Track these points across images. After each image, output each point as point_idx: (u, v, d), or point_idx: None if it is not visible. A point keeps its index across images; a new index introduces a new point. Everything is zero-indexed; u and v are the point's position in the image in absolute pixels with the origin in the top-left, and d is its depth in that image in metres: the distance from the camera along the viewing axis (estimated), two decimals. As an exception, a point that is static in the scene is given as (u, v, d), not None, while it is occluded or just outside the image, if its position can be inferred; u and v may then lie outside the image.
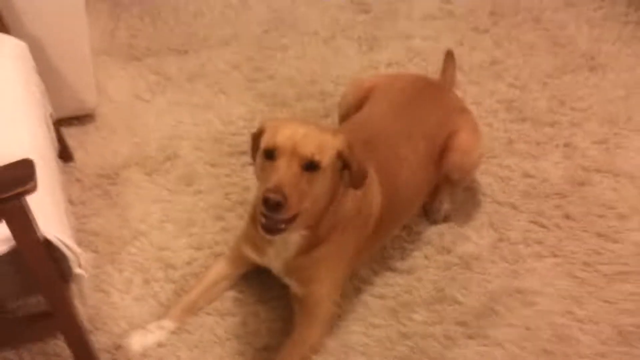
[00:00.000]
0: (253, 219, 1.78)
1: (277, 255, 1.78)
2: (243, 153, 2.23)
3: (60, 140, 2.04)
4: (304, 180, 1.56)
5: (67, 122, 2.22)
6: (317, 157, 1.57)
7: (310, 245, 1.73)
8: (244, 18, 2.68)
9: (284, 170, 1.54)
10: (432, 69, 2.51)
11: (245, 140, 2.25)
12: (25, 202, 1.33)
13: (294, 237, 1.72)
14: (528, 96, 2.46)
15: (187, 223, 2.05)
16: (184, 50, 2.54)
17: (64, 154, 2.08)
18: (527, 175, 2.24)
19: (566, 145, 2.32)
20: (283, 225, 1.59)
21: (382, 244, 2.02)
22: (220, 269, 1.91)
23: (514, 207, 2.15)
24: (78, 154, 2.18)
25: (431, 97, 2.07)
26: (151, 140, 2.26)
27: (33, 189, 1.31)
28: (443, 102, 2.08)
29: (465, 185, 2.18)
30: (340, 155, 1.62)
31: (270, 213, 1.54)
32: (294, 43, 2.60)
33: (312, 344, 1.80)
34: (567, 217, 2.13)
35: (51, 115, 1.88)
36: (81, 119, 2.27)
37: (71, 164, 2.15)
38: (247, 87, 2.44)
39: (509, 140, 2.33)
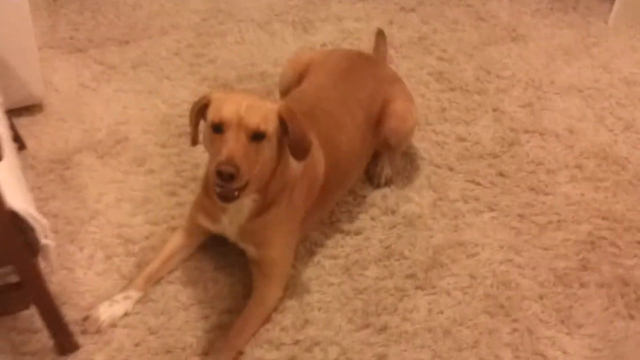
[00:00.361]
0: (206, 190, 1.87)
1: (231, 221, 1.87)
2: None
3: (12, 129, 2.09)
4: (252, 150, 1.67)
5: (16, 112, 2.26)
6: (262, 127, 1.67)
7: (261, 209, 1.83)
8: (181, 8, 2.76)
9: (233, 143, 1.64)
10: (364, 47, 2.63)
11: (192, 122, 2.34)
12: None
13: (246, 202, 1.81)
14: (456, 67, 2.61)
15: (142, 201, 2.12)
16: (125, 41, 2.61)
17: (17, 143, 2.13)
18: (460, 139, 2.38)
19: (495, 110, 2.48)
20: (237, 193, 1.69)
21: (330, 208, 2.13)
22: (178, 240, 1.99)
23: (450, 168, 2.29)
24: (30, 143, 2.23)
25: (366, 68, 2.19)
26: (100, 126, 2.32)
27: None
28: (377, 72, 2.21)
29: (403, 151, 2.30)
30: (282, 121, 1.73)
31: (224, 183, 1.64)
32: (232, 29, 2.70)
33: (271, 304, 1.90)
34: (500, 174, 2.28)
35: (1, 105, 1.94)
36: (30, 109, 2.32)
37: (24, 152, 2.20)
38: (189, 72, 2.52)
39: (442, 108, 2.47)
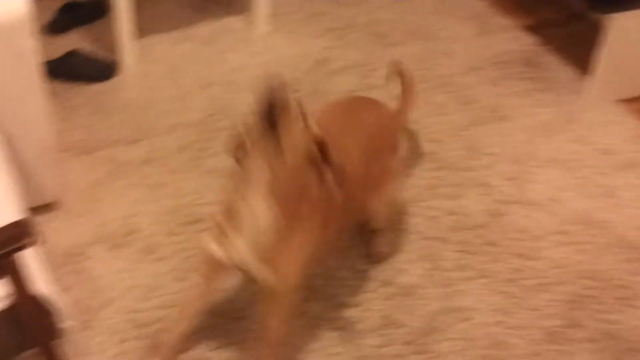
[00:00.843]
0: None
1: (245, 242, 1.80)
2: (197, 221, 2.48)
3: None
4: None
5: (36, 210, 2.44)
6: None
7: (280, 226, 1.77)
8: (185, 107, 2.96)
9: None
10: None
11: (198, 211, 2.52)
12: (22, 258, 1.55)
13: (265, 215, 1.75)
14: (444, 148, 2.79)
15: (153, 287, 2.27)
16: (134, 140, 2.80)
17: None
18: (451, 213, 2.53)
19: (482, 184, 2.64)
20: None
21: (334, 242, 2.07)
22: (194, 293, 2.01)
23: (442, 240, 2.44)
24: (47, 238, 2.40)
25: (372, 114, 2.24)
26: (112, 219, 2.49)
27: (34, 242, 1.55)
28: (383, 123, 2.25)
29: (397, 227, 2.46)
30: None
31: None
32: (233, 124, 2.89)
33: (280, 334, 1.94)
34: (490, 243, 2.43)
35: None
36: (48, 207, 2.49)
37: (43, 246, 2.36)
38: (195, 165, 2.70)
39: (432, 185, 2.63)
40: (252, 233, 1.79)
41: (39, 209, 2.47)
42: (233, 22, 3.42)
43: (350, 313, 2.21)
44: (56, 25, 3.33)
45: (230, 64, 3.19)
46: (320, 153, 1.78)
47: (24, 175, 2.26)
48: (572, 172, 2.69)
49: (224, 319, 2.18)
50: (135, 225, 2.47)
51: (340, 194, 1.90)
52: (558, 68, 3.17)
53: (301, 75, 3.13)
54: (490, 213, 2.53)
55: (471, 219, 2.51)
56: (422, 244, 2.43)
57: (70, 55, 3.10)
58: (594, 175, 2.68)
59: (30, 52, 2.17)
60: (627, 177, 2.67)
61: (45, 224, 2.45)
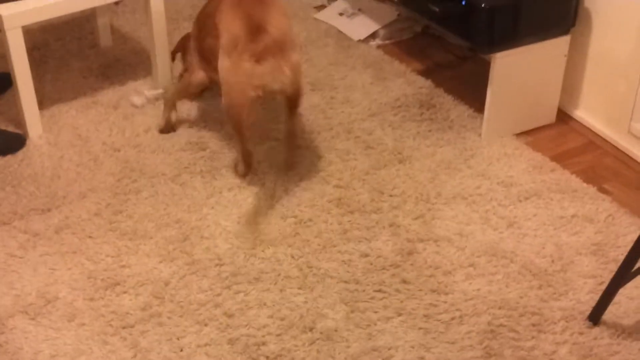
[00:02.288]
0: None
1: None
2: (116, 284, 2.50)
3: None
4: None
5: (-51, 288, 2.43)
6: None
7: None
8: (97, 172, 2.99)
9: None
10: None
11: (116, 274, 2.54)
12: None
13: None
14: (352, 192, 2.89)
15: (76, 353, 2.27)
16: (47, 209, 2.80)
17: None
18: (364, 255, 2.63)
19: (391, 225, 2.75)
20: None
21: None
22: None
23: (358, 282, 2.52)
24: (-36, 314, 2.38)
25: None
26: (30, 290, 2.48)
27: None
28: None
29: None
30: None
31: None
32: (145, 185, 2.93)
33: None
34: (404, 282, 2.53)
35: None
36: (-38, 283, 2.48)
37: (-41, 323, 2.34)
38: (109, 229, 2.73)
39: (344, 230, 2.72)
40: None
41: (-47, 287, 2.45)
42: (137, 86, 3.48)
43: (275, 362, 2.27)
44: (-41, 101, 3.32)
45: (137, 127, 3.24)
46: None
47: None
48: (476, 206, 2.83)
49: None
50: (54, 294, 2.47)
51: None
52: (453, 108, 3.34)
53: (211, 132, 3.20)
54: (402, 252, 2.64)
55: (384, 260, 2.61)
56: (339, 287, 2.51)
57: (-24, 129, 3.10)
58: (497, 207, 2.82)
59: None
60: (527, 207, 2.83)
61: (-39, 301, 2.43)
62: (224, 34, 2.69)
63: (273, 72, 2.62)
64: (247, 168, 2.91)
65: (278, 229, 2.74)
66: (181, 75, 3.33)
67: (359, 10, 4.00)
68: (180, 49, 3.41)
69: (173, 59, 3.45)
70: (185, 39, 3.34)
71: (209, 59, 2.92)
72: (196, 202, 2.86)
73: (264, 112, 3.31)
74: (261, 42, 2.60)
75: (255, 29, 2.62)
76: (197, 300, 2.47)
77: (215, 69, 2.76)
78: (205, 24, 2.96)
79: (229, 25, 2.67)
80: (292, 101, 2.84)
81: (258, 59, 2.60)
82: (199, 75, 3.07)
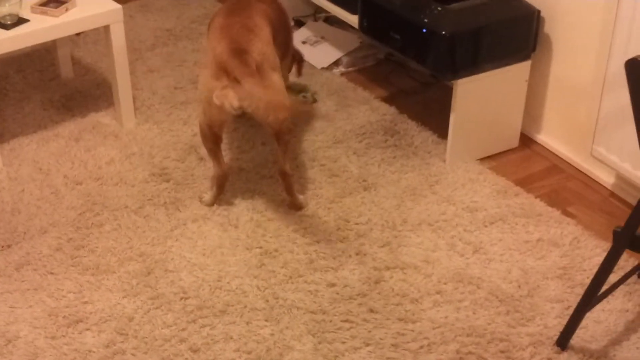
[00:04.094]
0: None
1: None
2: (78, 321, 2.45)
3: None
4: None
5: None
6: None
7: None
8: (58, 206, 2.94)
9: None
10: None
11: (78, 311, 2.49)
12: None
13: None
14: (318, 221, 2.88)
15: (38, 394, 2.22)
16: (7, 245, 2.75)
17: None
18: (331, 284, 2.61)
19: (357, 253, 2.73)
20: None
21: None
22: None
23: (324, 312, 2.50)
24: None
25: None
26: (-10, 329, 2.43)
27: None
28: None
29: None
30: None
31: None
32: (108, 218, 2.89)
33: None
34: (371, 311, 2.51)
35: None
36: None
37: None
38: (71, 264, 2.68)
39: (310, 259, 2.70)
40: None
41: None
42: (100, 118, 3.45)
43: (242, 396, 2.23)
44: None
45: (99, 159, 3.20)
46: None
47: None
48: (442, 232, 2.83)
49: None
50: (14, 333, 2.42)
51: None
52: (418, 134, 3.35)
53: (175, 163, 3.17)
54: (369, 281, 2.62)
55: (350, 289, 2.59)
56: (306, 318, 2.49)
57: None
58: (463, 233, 2.82)
59: None
60: (493, 232, 2.83)
61: None
62: (208, 53, 2.79)
63: (251, 92, 2.62)
64: (219, 192, 2.94)
65: (243, 260, 2.72)
66: None
67: (322, 38, 4.01)
68: None
69: None
70: None
71: None
72: (160, 234, 2.83)
73: (235, 140, 3.29)
74: (243, 63, 2.66)
75: (238, 51, 2.69)
76: (162, 336, 2.42)
77: None
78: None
79: (214, 45, 2.77)
80: (276, 131, 2.82)
81: (238, 79, 2.63)
82: None
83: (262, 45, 2.78)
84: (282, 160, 2.88)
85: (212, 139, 2.84)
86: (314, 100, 3.55)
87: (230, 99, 2.62)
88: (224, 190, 2.96)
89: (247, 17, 2.88)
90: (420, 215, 2.91)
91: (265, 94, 2.64)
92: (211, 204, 2.95)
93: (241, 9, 2.95)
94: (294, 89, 3.53)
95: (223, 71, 2.65)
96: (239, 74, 2.62)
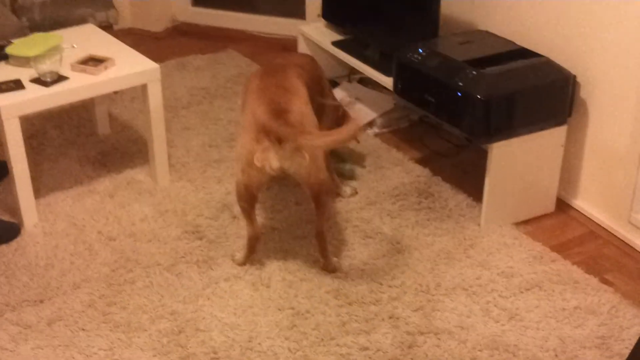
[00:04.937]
0: None
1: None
2: (109, 380, 2.44)
3: None
4: None
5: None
6: None
7: None
8: (91, 262, 2.95)
9: None
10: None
11: (109, 368, 2.48)
12: None
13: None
14: (351, 283, 2.85)
15: None
16: (40, 300, 2.76)
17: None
18: (363, 348, 2.56)
19: (390, 317, 2.69)
20: None
21: None
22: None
23: (357, 377, 2.46)
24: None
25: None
26: (20, 385, 2.42)
27: None
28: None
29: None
30: None
31: None
32: (140, 275, 2.89)
33: None
34: (404, 376, 2.47)
35: None
36: (-50, 378, 2.41)
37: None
38: (103, 321, 2.67)
39: (342, 322, 2.67)
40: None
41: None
42: (135, 174, 3.48)
43: None
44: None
45: (133, 215, 3.22)
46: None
47: None
48: (476, 297, 2.78)
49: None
50: (43, 390, 2.41)
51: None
52: (452, 197, 3.33)
53: (208, 221, 3.18)
54: (402, 345, 2.58)
55: (383, 353, 2.55)
56: (338, 382, 2.45)
57: (-29, 218, 3.08)
58: (498, 298, 2.78)
59: None
60: (529, 299, 2.78)
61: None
62: (247, 115, 2.78)
63: (292, 155, 2.65)
64: (250, 252, 2.92)
65: (275, 321, 2.69)
66: None
67: (356, 99, 4.04)
68: None
69: None
70: None
71: None
72: (192, 292, 2.81)
73: (269, 199, 3.30)
74: (285, 123, 2.66)
75: (279, 112, 2.69)
76: (192, 397, 2.40)
77: None
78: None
79: (253, 107, 2.75)
80: (315, 193, 2.80)
81: (282, 139, 2.63)
82: None
83: (300, 104, 2.79)
84: (319, 222, 2.87)
85: (247, 199, 2.82)
86: (351, 176, 3.49)
87: (271, 160, 2.63)
88: (255, 251, 2.94)
89: (284, 78, 2.91)
90: (455, 280, 2.87)
91: (307, 154, 2.65)
92: (242, 264, 2.94)
93: (277, 70, 2.98)
94: (336, 155, 3.53)
95: (264, 133, 2.65)
96: (282, 133, 2.63)
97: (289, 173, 2.71)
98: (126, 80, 3.28)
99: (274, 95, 2.78)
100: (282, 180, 3.32)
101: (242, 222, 2.98)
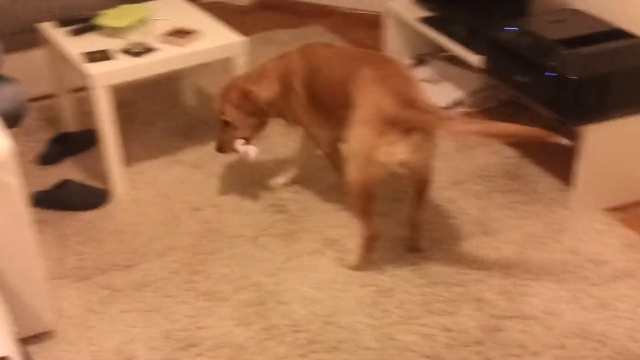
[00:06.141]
0: None
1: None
2: (192, 345, 2.46)
3: (26, 356, 2.23)
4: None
5: (29, 340, 2.42)
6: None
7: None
8: (176, 231, 2.99)
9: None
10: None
11: (192, 335, 2.50)
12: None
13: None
14: (436, 263, 2.81)
15: (151, 415, 2.23)
16: (128, 265, 2.81)
17: (29, 370, 2.27)
18: (446, 329, 2.53)
19: (475, 299, 2.65)
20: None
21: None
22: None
23: (439, 357, 2.42)
24: (41, 369, 2.37)
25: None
26: (108, 346, 2.47)
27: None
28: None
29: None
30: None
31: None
32: (224, 246, 2.91)
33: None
34: (488, 360, 2.42)
35: (15, 334, 2.09)
36: (41, 336, 2.48)
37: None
38: (187, 289, 2.70)
39: (426, 302, 2.64)
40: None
41: (33, 339, 2.45)
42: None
43: None
44: (48, 157, 3.41)
45: (218, 187, 3.24)
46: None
47: (16, 306, 2.24)
48: (565, 284, 2.71)
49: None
50: (130, 352, 2.45)
51: None
52: (541, 180, 3.25)
53: (291, 194, 3.19)
54: (487, 329, 2.53)
55: (467, 336, 2.50)
56: (420, 362, 2.42)
57: (62, 185, 3.15)
58: (588, 286, 2.70)
59: (14, 188, 2.21)
60: (620, 288, 2.69)
61: (40, 354, 2.42)
62: (368, 106, 2.59)
63: (422, 145, 2.54)
64: (367, 252, 2.77)
65: (357, 297, 2.67)
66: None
67: (443, 77, 3.97)
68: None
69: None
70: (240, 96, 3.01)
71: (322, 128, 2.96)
72: (274, 265, 2.82)
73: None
74: (411, 115, 2.51)
75: (408, 102, 2.54)
76: (274, 367, 2.41)
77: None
78: (328, 92, 2.84)
79: (375, 99, 2.57)
80: (423, 184, 2.75)
81: (405, 132, 2.50)
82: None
83: (421, 90, 2.70)
84: (421, 211, 2.81)
85: (366, 198, 2.65)
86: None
87: (398, 154, 2.51)
88: (373, 250, 2.79)
89: (394, 67, 2.77)
90: (543, 264, 2.80)
91: (430, 152, 2.62)
92: (358, 267, 2.80)
93: (383, 60, 2.83)
94: None
95: (391, 125, 2.50)
96: (422, 123, 2.51)
97: (410, 165, 2.61)
98: (213, 53, 3.30)
99: (396, 85, 2.62)
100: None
101: (327, 201, 2.97)
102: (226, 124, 2.99)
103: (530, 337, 2.50)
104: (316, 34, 4.62)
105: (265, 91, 2.95)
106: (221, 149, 3.06)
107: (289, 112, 3.01)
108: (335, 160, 3.06)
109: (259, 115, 2.99)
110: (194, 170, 3.35)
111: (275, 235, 2.98)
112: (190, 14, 3.53)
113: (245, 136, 3.01)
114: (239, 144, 3.00)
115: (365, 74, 2.67)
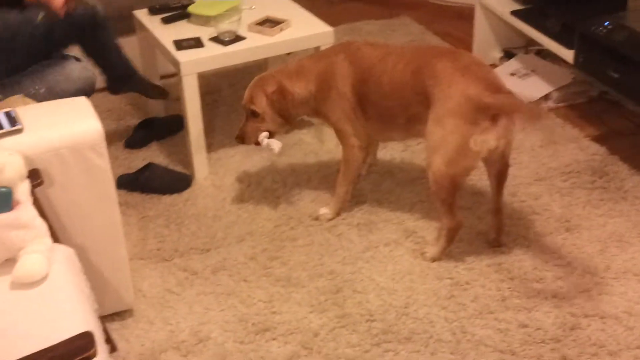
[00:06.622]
0: None
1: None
2: (266, 330, 2.50)
3: (105, 332, 2.30)
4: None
5: (109, 318, 2.50)
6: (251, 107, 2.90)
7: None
8: (256, 217, 3.03)
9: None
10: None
11: (267, 319, 2.54)
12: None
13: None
14: (514, 258, 2.76)
15: (223, 395, 2.27)
16: (207, 249, 2.87)
17: (109, 345, 2.34)
18: (522, 325, 2.48)
19: (554, 296, 2.59)
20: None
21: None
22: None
23: (514, 353, 2.38)
24: (120, 345, 2.44)
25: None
26: (184, 327, 2.52)
27: (94, 354, 1.59)
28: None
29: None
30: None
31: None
32: (302, 233, 2.93)
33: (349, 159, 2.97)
34: (564, 358, 2.36)
35: (96, 311, 2.16)
36: (121, 314, 2.56)
37: (115, 354, 2.40)
38: (264, 274, 2.74)
39: (502, 297, 2.60)
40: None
41: (112, 317, 2.53)
42: (302, 135, 3.55)
43: None
44: (135, 141, 3.50)
45: (298, 175, 3.27)
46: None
47: (97, 285, 2.32)
48: (648, 285, 2.62)
49: None
50: (206, 333, 2.50)
51: None
52: (629, 178, 3.15)
53: (370, 185, 3.18)
54: (564, 326, 2.47)
55: (543, 332, 2.46)
56: (494, 357, 2.38)
57: (147, 168, 3.23)
58: (672, 288, 2.61)
59: (103, 169, 2.29)
60: None
61: (118, 331, 2.50)
62: (454, 97, 2.54)
63: (506, 132, 2.51)
64: (448, 243, 2.76)
65: (433, 289, 2.66)
66: None
67: (532, 71, 3.89)
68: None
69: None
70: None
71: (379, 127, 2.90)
72: (351, 254, 2.83)
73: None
74: (499, 100, 2.50)
75: (494, 88, 2.54)
76: (345, 355, 2.41)
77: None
78: (388, 93, 2.78)
79: (462, 89, 2.54)
80: (504, 170, 2.73)
81: (494, 118, 2.48)
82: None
83: (499, 77, 2.67)
84: (500, 198, 2.79)
85: (454, 189, 2.62)
86: None
87: (490, 141, 2.49)
88: (454, 241, 2.78)
89: (468, 56, 2.75)
90: (626, 264, 2.72)
91: (511, 138, 2.58)
92: (438, 259, 2.78)
93: (454, 52, 2.79)
94: None
95: (482, 112, 2.48)
96: (512, 106, 2.49)
97: (497, 151, 2.56)
98: (300, 43, 3.32)
99: (477, 73, 2.59)
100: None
101: (405, 195, 2.95)
102: (254, 114, 2.90)
103: (609, 336, 2.44)
104: (402, 25, 4.60)
105: (301, 89, 2.90)
106: (243, 139, 2.95)
107: (323, 112, 2.93)
108: (354, 165, 2.98)
109: (288, 113, 2.91)
110: (275, 158, 3.39)
111: (354, 224, 2.99)
112: (281, 3, 3.56)
113: (271, 129, 2.93)
114: (263, 137, 2.93)
115: (445, 65, 2.62)
